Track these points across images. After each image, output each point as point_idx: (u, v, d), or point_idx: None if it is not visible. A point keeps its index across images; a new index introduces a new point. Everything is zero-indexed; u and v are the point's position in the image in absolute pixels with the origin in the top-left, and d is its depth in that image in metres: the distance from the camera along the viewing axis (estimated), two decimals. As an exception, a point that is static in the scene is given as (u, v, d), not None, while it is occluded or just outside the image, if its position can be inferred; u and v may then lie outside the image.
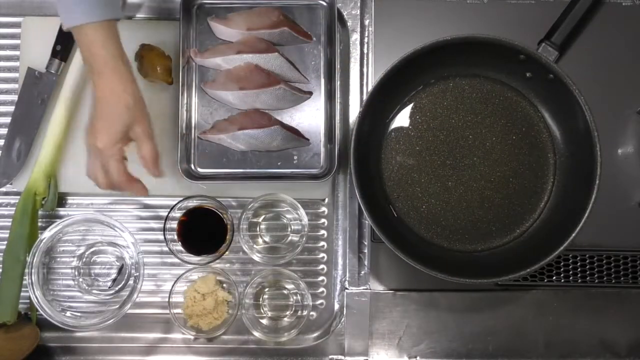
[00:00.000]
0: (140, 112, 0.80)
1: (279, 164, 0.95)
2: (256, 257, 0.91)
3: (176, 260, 0.90)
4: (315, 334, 0.94)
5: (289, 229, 0.95)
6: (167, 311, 0.90)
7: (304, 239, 0.91)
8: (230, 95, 0.94)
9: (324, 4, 0.97)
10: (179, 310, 0.91)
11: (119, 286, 0.94)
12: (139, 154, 0.81)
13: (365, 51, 0.98)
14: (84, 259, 0.95)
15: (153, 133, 0.82)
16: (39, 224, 0.94)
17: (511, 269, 0.85)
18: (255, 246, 0.94)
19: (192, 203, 0.91)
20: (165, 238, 0.90)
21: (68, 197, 0.97)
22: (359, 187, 0.86)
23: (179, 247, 0.90)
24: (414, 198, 0.93)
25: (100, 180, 0.81)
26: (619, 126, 0.97)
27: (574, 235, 0.83)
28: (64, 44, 0.95)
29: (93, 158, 0.81)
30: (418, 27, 0.98)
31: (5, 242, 0.92)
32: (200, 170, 0.95)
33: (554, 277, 0.94)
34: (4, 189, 0.96)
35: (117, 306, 0.89)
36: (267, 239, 0.95)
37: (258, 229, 0.95)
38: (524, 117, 0.94)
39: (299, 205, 0.90)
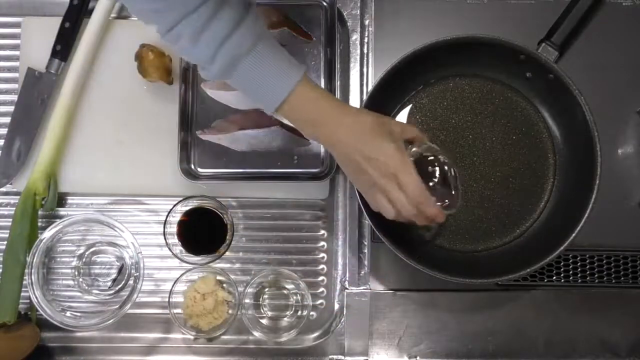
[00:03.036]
0: (379, 115, 0.77)
1: (279, 164, 0.95)
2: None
3: (176, 260, 0.90)
4: (315, 334, 0.94)
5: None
6: (167, 311, 0.90)
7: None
8: (230, 95, 0.94)
9: (324, 4, 0.97)
10: (179, 310, 0.91)
11: (119, 286, 0.94)
12: (411, 139, 0.79)
13: (365, 51, 0.98)
14: (84, 259, 0.95)
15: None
16: (39, 224, 0.94)
17: (511, 269, 0.85)
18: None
19: (192, 203, 0.91)
20: (165, 238, 0.89)
21: (68, 197, 0.97)
22: (359, 187, 0.86)
23: (179, 247, 0.90)
24: (414, 198, 0.93)
25: (406, 204, 0.75)
26: (619, 126, 0.97)
27: (574, 235, 0.83)
28: (64, 44, 0.95)
29: (382, 188, 0.75)
30: (418, 27, 0.98)
31: (5, 242, 0.92)
32: (200, 170, 0.95)
33: (554, 277, 0.94)
34: (4, 189, 0.96)
35: (117, 306, 0.89)
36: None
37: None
38: (524, 117, 0.94)
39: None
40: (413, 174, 0.74)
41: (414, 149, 0.80)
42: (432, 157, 0.81)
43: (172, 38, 0.71)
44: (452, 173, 0.81)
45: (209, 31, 0.69)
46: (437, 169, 0.81)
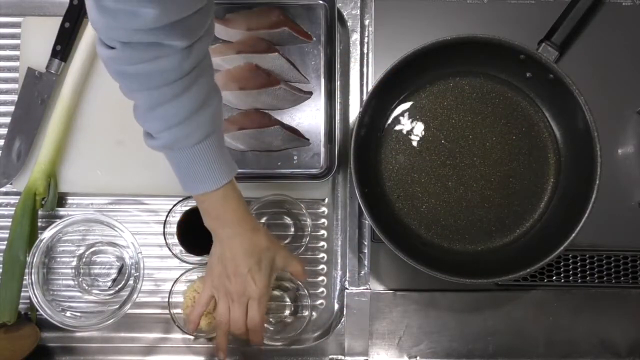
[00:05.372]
0: (274, 242, 0.82)
1: (279, 164, 0.95)
2: None
3: (176, 260, 0.90)
4: (315, 334, 0.94)
5: (292, 229, 0.95)
6: (167, 311, 0.90)
7: (307, 239, 0.91)
8: (230, 95, 0.93)
9: (324, 4, 0.97)
10: (178, 310, 0.91)
11: (119, 286, 0.94)
12: (292, 273, 0.85)
13: (365, 51, 0.98)
14: (84, 259, 0.95)
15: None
16: (39, 224, 0.94)
17: (511, 269, 0.85)
18: None
19: (191, 203, 0.91)
20: (165, 238, 0.90)
21: (68, 197, 0.97)
22: (359, 187, 0.86)
23: (178, 247, 0.90)
24: (414, 198, 0.93)
25: (240, 325, 0.82)
26: (619, 126, 0.97)
27: (574, 235, 0.83)
28: (64, 44, 0.95)
29: (232, 300, 0.81)
30: (418, 27, 0.98)
31: (5, 242, 0.92)
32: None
33: (554, 277, 0.94)
34: (4, 189, 0.96)
35: (117, 306, 0.89)
36: None
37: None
38: (524, 117, 0.94)
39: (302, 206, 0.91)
40: (261, 307, 0.81)
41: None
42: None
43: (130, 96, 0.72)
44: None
45: (169, 108, 0.69)
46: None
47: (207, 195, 0.76)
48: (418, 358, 0.94)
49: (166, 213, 0.90)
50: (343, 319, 0.93)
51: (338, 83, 0.96)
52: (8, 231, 0.92)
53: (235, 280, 0.80)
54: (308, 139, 0.95)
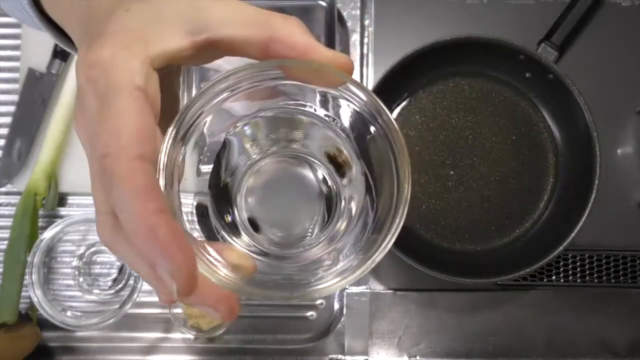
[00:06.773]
0: None
1: (279, 164, 0.95)
2: None
3: (176, 260, 0.90)
4: (315, 334, 0.95)
5: None
6: (167, 311, 0.90)
7: None
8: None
9: (324, 4, 0.97)
10: (179, 310, 0.91)
11: (120, 286, 0.94)
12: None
13: (365, 51, 0.98)
14: (85, 259, 0.95)
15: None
16: (40, 223, 0.95)
17: (511, 269, 0.85)
18: None
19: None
20: (165, 238, 0.90)
21: (68, 197, 0.97)
22: (358, 187, 0.86)
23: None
24: (413, 198, 0.93)
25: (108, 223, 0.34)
26: (619, 126, 0.97)
27: (574, 235, 0.83)
28: (65, 44, 0.95)
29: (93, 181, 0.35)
30: (418, 27, 0.98)
31: (6, 242, 0.92)
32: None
33: (554, 277, 0.94)
34: (4, 189, 0.96)
35: (118, 306, 0.89)
36: None
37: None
38: (524, 117, 0.94)
39: None
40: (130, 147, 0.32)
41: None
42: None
43: None
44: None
45: None
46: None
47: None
48: (418, 358, 0.94)
49: (166, 213, 0.90)
50: (343, 319, 0.93)
51: (338, 83, 0.96)
52: (9, 231, 0.92)
53: (78, 109, 0.36)
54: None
